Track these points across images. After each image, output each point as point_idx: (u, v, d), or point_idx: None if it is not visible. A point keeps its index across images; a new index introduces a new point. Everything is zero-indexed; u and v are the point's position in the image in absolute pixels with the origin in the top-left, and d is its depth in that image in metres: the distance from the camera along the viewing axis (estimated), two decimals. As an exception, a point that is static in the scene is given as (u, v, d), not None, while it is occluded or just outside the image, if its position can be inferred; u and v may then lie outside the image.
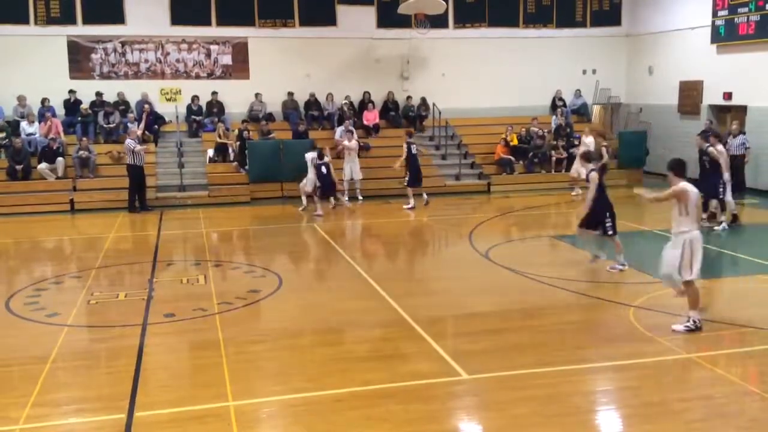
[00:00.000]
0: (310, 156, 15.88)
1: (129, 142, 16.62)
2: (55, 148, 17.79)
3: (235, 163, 18.80)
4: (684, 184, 7.61)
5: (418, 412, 6.03)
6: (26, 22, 19.42)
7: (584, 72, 23.13)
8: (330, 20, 21.27)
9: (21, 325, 8.58)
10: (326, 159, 15.88)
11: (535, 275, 10.33)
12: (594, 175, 10.57)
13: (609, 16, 23.26)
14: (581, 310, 9.03)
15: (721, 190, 13.67)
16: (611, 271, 10.52)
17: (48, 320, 8.67)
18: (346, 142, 17.84)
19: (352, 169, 17.66)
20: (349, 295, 9.79)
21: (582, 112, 22.81)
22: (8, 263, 12.41)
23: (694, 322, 7.77)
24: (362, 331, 8.33)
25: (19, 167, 17.37)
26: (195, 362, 7.50)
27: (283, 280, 10.45)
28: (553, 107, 22.46)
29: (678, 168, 7.78)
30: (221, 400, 6.27)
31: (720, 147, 14.04)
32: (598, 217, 10.59)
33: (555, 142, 20.56)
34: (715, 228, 13.56)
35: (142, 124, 18.21)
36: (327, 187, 15.82)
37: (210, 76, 20.85)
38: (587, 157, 11.55)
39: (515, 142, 20.48)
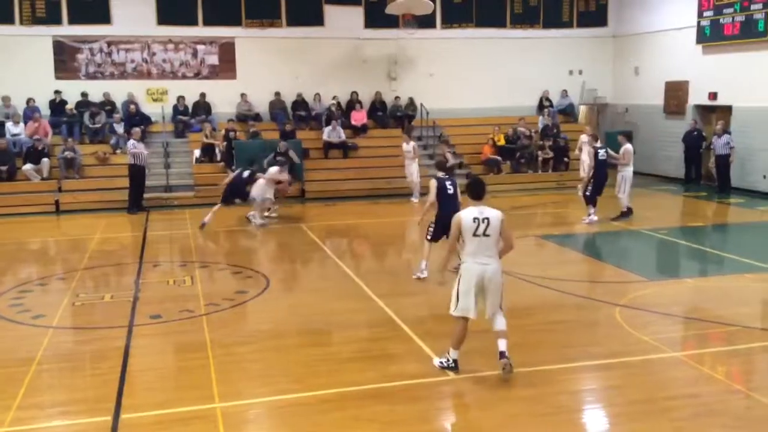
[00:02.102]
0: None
1: (129, 142, 16.55)
2: (40, 148, 17.65)
3: (222, 164, 18.72)
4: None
5: (406, 412, 6.02)
6: (11, 22, 19.26)
7: (571, 72, 23.21)
8: (317, 20, 21.23)
9: (6, 327, 8.50)
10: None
11: (522, 275, 10.35)
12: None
13: (595, 17, 23.36)
14: (568, 309, 9.05)
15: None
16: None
17: (33, 322, 8.59)
18: (404, 145, 17.91)
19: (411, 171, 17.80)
20: (337, 295, 9.77)
21: (569, 113, 22.90)
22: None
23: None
24: (349, 332, 8.31)
25: (3, 168, 17.22)
26: (181, 364, 7.45)
27: (270, 281, 10.41)
28: (540, 107, 22.53)
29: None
30: (207, 402, 6.23)
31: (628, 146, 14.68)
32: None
33: (542, 142, 20.63)
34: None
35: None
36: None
37: (197, 76, 20.75)
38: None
39: (502, 142, 20.53)
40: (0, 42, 18.97)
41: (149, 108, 20.11)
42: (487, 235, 6.52)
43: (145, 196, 17.37)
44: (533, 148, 20.47)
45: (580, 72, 23.24)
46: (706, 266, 11.73)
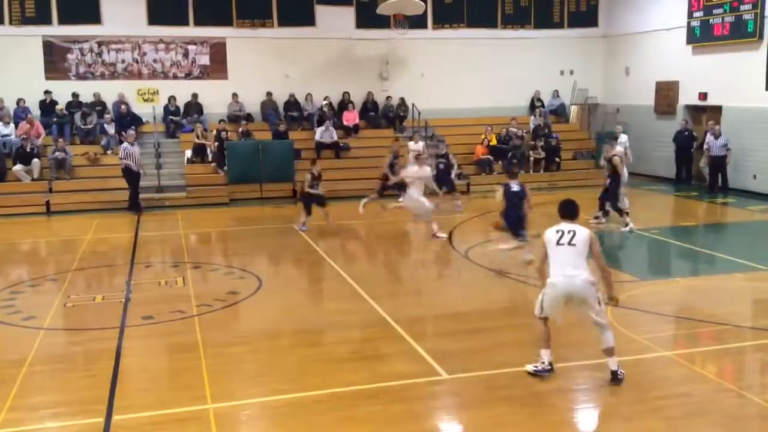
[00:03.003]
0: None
1: (122, 146, 16.55)
2: (29, 149, 17.55)
3: (214, 164, 18.69)
4: None
5: (399, 412, 6.03)
6: (0, 22, 19.15)
7: (562, 73, 23.27)
8: (309, 20, 21.21)
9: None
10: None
11: (515, 274, 10.37)
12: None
13: (586, 17, 23.44)
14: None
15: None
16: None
17: (24, 323, 8.55)
18: (411, 144, 17.96)
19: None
20: (329, 296, 9.77)
21: (560, 113, 22.96)
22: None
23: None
24: (342, 332, 8.31)
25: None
26: (174, 365, 7.44)
27: (262, 281, 10.39)
28: (532, 107, 22.58)
29: None
30: (200, 403, 6.22)
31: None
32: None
33: (533, 143, 20.67)
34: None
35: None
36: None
37: (188, 76, 20.69)
38: None
39: (494, 142, 20.56)
40: (3, 42, 18.88)
41: (140, 108, 20.03)
42: (573, 245, 6.41)
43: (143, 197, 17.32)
44: (525, 149, 20.50)
45: (571, 72, 23.31)
46: (697, 266, 11.78)
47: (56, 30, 19.59)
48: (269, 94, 20.86)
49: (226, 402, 6.24)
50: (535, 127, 21.16)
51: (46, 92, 19.33)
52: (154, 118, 19.72)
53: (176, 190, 18.12)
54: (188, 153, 19.12)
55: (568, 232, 6.48)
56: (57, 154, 17.69)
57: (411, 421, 5.89)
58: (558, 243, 6.45)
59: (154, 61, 20.48)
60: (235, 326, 8.76)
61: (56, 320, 8.88)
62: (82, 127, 18.95)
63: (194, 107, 20.27)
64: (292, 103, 21.00)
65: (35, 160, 17.53)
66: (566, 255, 6.41)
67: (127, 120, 19.00)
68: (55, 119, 18.91)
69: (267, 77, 20.78)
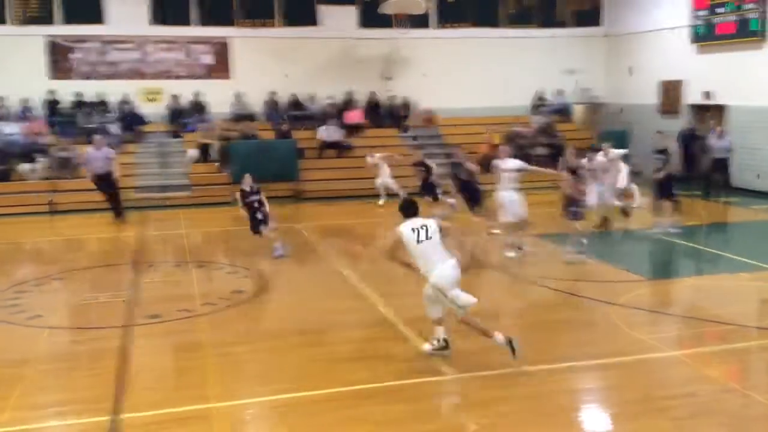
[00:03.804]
0: None
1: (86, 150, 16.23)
2: (35, 148, 17.59)
3: (217, 164, 18.70)
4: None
5: (402, 412, 6.02)
6: (3, 22, 19.19)
7: (565, 72, 23.23)
8: (311, 20, 21.23)
9: (1, 328, 8.46)
10: None
11: (519, 274, 10.36)
12: None
13: (589, 17, 23.41)
14: (565, 308, 9.07)
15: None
16: None
17: (29, 323, 8.56)
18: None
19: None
20: (332, 295, 9.76)
21: (563, 112, 22.92)
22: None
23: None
24: (345, 332, 8.31)
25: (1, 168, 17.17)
26: (178, 364, 7.44)
27: (265, 280, 10.41)
28: (535, 107, 22.55)
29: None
30: (204, 402, 6.23)
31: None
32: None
33: (537, 142, 20.63)
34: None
35: None
36: None
37: (191, 76, 20.71)
38: None
39: (498, 141, 20.52)
40: (5, 41, 18.90)
41: (144, 108, 20.07)
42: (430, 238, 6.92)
43: (140, 195, 17.31)
44: (528, 148, 20.47)
45: (575, 72, 23.27)
46: (702, 265, 11.76)
47: (60, 30, 19.63)
48: (272, 93, 20.87)
49: (230, 401, 6.25)
50: (538, 127, 21.13)
51: (50, 92, 19.38)
52: (158, 117, 19.76)
53: (180, 189, 18.13)
54: (192, 152, 19.13)
55: (421, 227, 6.94)
56: (61, 153, 17.72)
57: (413, 421, 5.87)
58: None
59: (158, 60, 20.51)
60: (239, 325, 8.75)
61: (61, 319, 8.92)
62: (86, 126, 18.96)
63: (197, 107, 20.30)
64: (295, 103, 21.02)
65: (39, 159, 17.56)
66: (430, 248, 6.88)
67: (130, 119, 19.03)
68: (59, 119, 18.94)
69: (270, 77, 20.79)
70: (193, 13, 20.51)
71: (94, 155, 15.84)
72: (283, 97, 21.03)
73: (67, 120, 18.97)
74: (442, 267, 6.84)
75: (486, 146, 20.29)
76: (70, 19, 19.63)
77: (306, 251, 12.81)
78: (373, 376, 6.73)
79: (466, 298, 6.87)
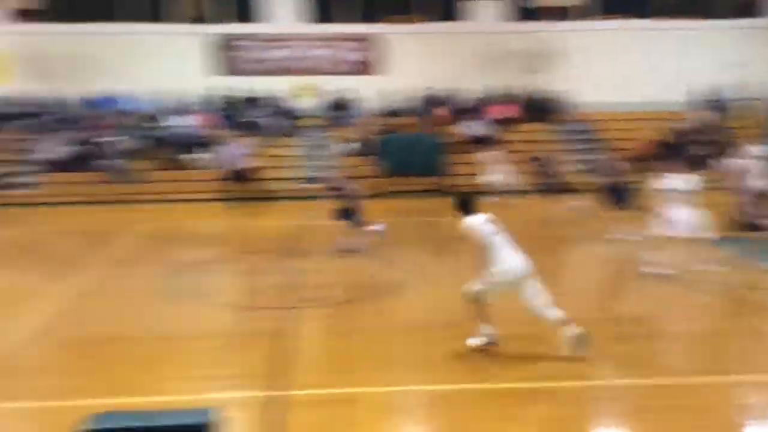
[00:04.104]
0: None
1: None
2: (202, 140, 19.00)
3: (371, 158, 19.28)
4: None
5: (554, 414, 5.97)
6: (175, 21, 20.86)
7: (727, 65, 21.79)
8: (461, 14, 21.35)
9: (179, 304, 9.34)
10: None
11: (688, 276, 9.86)
12: None
13: (747, 8, 21.83)
14: (737, 317, 8.63)
15: None
16: None
17: (201, 300, 9.38)
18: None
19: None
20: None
21: (724, 108, 21.51)
22: (167, 247, 13.43)
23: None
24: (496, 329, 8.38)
25: (171, 157, 18.69)
26: (337, 348, 7.78)
27: (416, 273, 10.68)
28: (697, 102, 21.35)
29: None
30: (353, 386, 6.55)
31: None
32: None
33: (696, 140, 19.56)
34: None
35: None
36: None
37: (344, 72, 21.45)
38: None
39: (662, 139, 19.64)
40: (163, 40, 20.56)
41: (299, 103, 21.06)
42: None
43: (293, 187, 18.15)
44: (697, 147, 19.40)
45: (738, 65, 21.76)
46: None
47: (226, 28, 21.05)
48: (425, 88, 21.20)
49: (377, 387, 6.51)
50: (701, 125, 20.01)
51: (213, 87, 20.77)
52: (312, 113, 20.68)
53: (334, 182, 18.83)
54: (343, 146, 19.84)
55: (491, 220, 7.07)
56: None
57: (562, 426, 5.79)
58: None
59: (313, 57, 21.43)
60: (389, 315, 9.07)
61: (233, 299, 9.67)
62: (243, 120, 20.19)
63: (349, 102, 21.01)
64: (446, 97, 21.24)
65: (206, 149, 18.97)
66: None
67: (285, 114, 20.08)
68: (222, 112, 20.33)
69: (421, 71, 21.12)
70: (346, 11, 21.26)
71: (231, 151, 16.87)
72: (434, 91, 21.29)
73: (229, 114, 20.28)
74: (513, 258, 6.98)
75: (642, 143, 19.52)
76: (234, 18, 21.01)
77: (453, 245, 12.97)
78: (527, 374, 6.69)
79: (534, 291, 6.95)
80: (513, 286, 6.97)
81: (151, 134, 19.25)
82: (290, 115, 20.58)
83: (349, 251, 11.85)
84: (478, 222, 7.12)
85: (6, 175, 17.95)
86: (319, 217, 15.71)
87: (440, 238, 13.56)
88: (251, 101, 20.71)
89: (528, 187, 15.99)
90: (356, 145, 19.62)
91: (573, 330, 6.83)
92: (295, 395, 6.39)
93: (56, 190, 17.60)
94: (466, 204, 7.36)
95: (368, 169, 19.10)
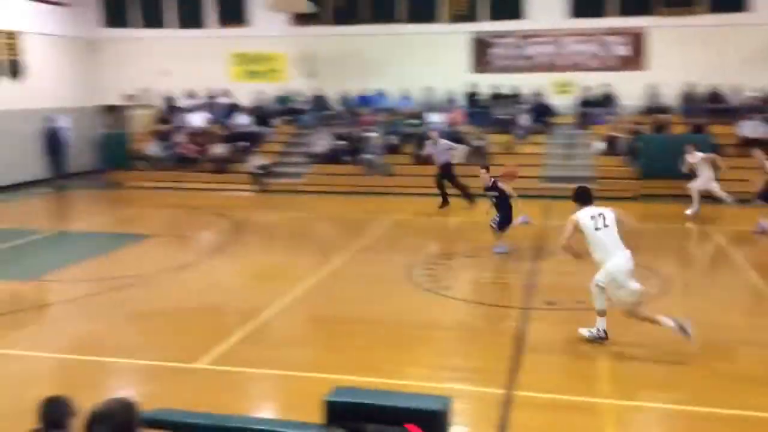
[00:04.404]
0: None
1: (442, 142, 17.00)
2: (456, 136, 19.36)
3: (625, 157, 18.27)
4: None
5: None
6: (434, 20, 21.42)
7: None
8: (742, 6, 19.28)
9: (418, 293, 9.59)
10: None
11: None
12: None
13: None
14: None
15: None
16: None
17: (440, 292, 9.54)
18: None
19: None
20: (742, 309, 8.84)
21: None
22: (411, 238, 13.90)
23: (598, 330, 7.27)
24: (756, 349, 7.46)
25: (421, 153, 19.29)
26: (572, 353, 7.49)
27: (664, 283, 9.89)
28: None
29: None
30: (596, 396, 6.23)
31: None
32: None
33: None
34: None
35: None
36: None
37: (604, 68, 20.56)
38: None
39: None
40: (420, 39, 21.15)
41: (554, 100, 20.59)
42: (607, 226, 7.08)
43: (545, 186, 17.79)
44: None
45: None
46: None
47: (484, 26, 21.21)
48: (690, 85, 19.56)
49: (623, 401, 6.13)
50: None
51: (470, 84, 21.07)
52: (567, 109, 20.11)
53: (583, 181, 18.12)
54: (599, 145, 19.02)
55: (599, 215, 7.06)
56: (475, 141, 19.21)
57: None
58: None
59: (572, 53, 20.83)
60: (634, 325, 8.48)
61: (468, 293, 9.73)
62: (499, 117, 20.19)
63: (607, 99, 20.09)
64: (714, 95, 19.38)
65: (460, 146, 19.29)
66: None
67: (541, 111, 19.72)
68: (476, 109, 20.54)
69: (688, 68, 19.50)
70: (609, 4, 20.28)
71: (436, 149, 16.76)
72: (701, 89, 19.56)
73: (483, 111, 20.44)
74: (619, 255, 6.95)
75: None
76: (495, 16, 21.05)
77: (715, 257, 11.81)
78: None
79: (636, 288, 6.96)
80: (620, 282, 6.97)
81: (407, 131, 20.02)
82: (545, 112, 20.19)
83: (502, 253, 11.49)
84: (583, 215, 7.17)
85: (276, 165, 19.82)
86: (563, 217, 15.25)
87: (702, 249, 12.43)
88: (506, 98, 20.66)
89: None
90: (607, 145, 18.69)
91: (670, 322, 6.95)
92: (522, 396, 6.25)
93: (318, 180, 19.05)
94: (582, 196, 7.42)
95: (621, 170, 18.11)
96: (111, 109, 23.60)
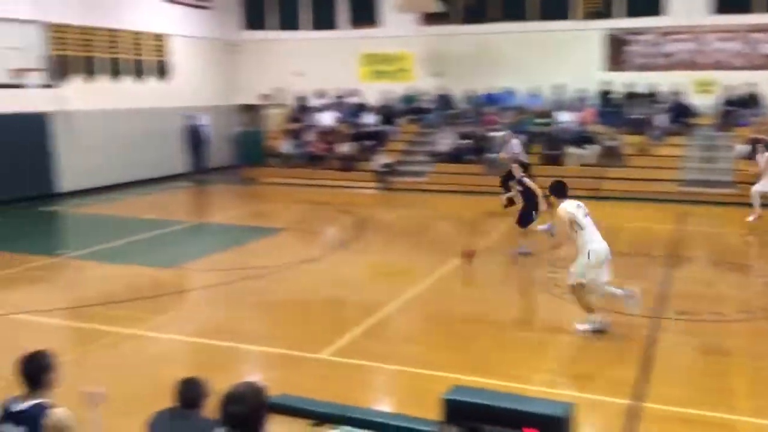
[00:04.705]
0: None
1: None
2: (584, 136, 18.79)
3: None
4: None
5: None
6: (566, 17, 20.86)
7: None
8: None
9: (543, 296, 9.37)
10: None
11: None
12: None
13: None
14: None
15: None
16: None
17: (563, 296, 9.24)
18: None
19: None
20: None
21: None
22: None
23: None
24: None
25: (551, 153, 18.86)
26: (704, 366, 7.11)
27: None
28: None
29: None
30: (731, 412, 5.86)
31: None
32: None
33: None
34: None
35: None
36: None
37: (749, 66, 19.22)
38: None
39: None
40: (552, 36, 20.64)
41: (695, 99, 19.49)
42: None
43: (683, 189, 16.88)
44: None
45: None
46: None
47: (619, 23, 20.41)
48: None
49: (763, 419, 5.74)
50: None
51: (604, 83, 20.35)
52: (708, 110, 18.98)
53: (724, 186, 17.11)
54: (740, 148, 17.81)
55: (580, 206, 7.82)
56: (608, 142, 18.54)
57: None
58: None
59: (714, 50, 19.64)
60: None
61: (595, 298, 9.40)
62: (634, 117, 19.37)
63: (752, 100, 18.77)
64: None
65: (589, 146, 18.70)
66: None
67: (680, 111, 18.74)
68: (609, 109, 19.80)
69: None
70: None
71: (506, 150, 16.25)
72: None
73: (616, 110, 19.68)
74: (598, 241, 7.65)
75: None
76: (631, 12, 20.20)
77: None
78: None
79: (609, 272, 7.69)
80: (599, 267, 7.58)
81: (535, 130, 19.65)
82: (684, 112, 19.16)
83: (525, 254, 11.17)
84: (570, 206, 7.75)
85: (400, 163, 20.01)
86: (701, 223, 14.45)
87: None
88: (641, 97, 19.80)
89: None
90: (751, 148, 17.45)
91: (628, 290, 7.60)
92: (650, 408, 5.97)
93: (441, 179, 19.05)
94: (558, 189, 8.03)
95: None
96: (247, 108, 24.72)
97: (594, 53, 20.71)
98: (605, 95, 20.27)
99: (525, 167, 15.70)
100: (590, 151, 18.67)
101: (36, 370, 3.78)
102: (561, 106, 20.16)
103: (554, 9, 20.92)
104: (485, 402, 4.05)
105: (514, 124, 19.65)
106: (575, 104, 20.17)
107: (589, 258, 7.57)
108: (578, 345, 7.66)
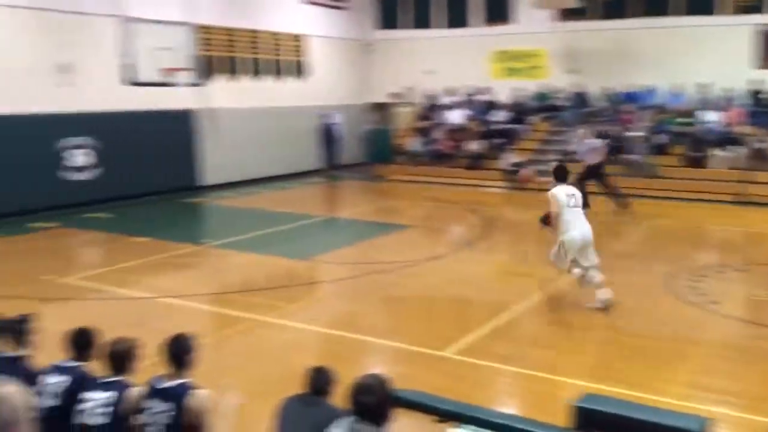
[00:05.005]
0: None
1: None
2: (730, 137, 17.66)
3: None
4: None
5: None
6: (710, 12, 19.64)
7: None
8: None
9: (681, 306, 8.90)
10: None
11: None
12: None
13: None
14: None
15: None
16: None
17: (706, 307, 8.78)
18: None
19: None
20: None
21: None
22: (674, 245, 12.90)
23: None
24: None
25: (694, 154, 17.86)
26: None
27: None
28: None
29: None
30: None
31: None
32: None
33: None
34: None
35: None
36: None
37: None
38: None
39: None
40: (698, 32, 19.55)
41: None
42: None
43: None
44: None
45: None
46: None
47: (771, 18, 19.01)
48: None
49: None
50: None
51: (754, 81, 19.01)
52: None
53: None
54: None
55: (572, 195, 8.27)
56: (757, 144, 17.32)
57: None
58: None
59: None
60: None
61: (737, 310, 8.85)
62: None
63: None
64: None
65: (737, 147, 17.54)
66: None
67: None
68: (760, 109, 18.48)
69: None
70: None
71: (580, 147, 15.93)
72: None
73: (767, 111, 18.33)
74: (582, 227, 8.14)
75: None
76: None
77: None
78: None
79: (593, 258, 8.28)
80: (580, 251, 8.17)
81: (677, 130, 18.70)
82: None
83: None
84: (559, 191, 8.21)
85: (529, 162, 19.56)
86: None
87: None
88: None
89: None
90: None
91: (605, 293, 8.24)
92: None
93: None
94: (559, 173, 8.52)
95: None
96: (378, 107, 25.15)
97: (743, 50, 19.40)
98: (755, 95, 18.95)
99: (593, 170, 15.31)
100: (736, 153, 17.52)
101: (180, 351, 4.06)
102: (706, 105, 19.06)
103: (701, 3, 19.78)
104: (617, 411, 3.96)
105: (654, 124, 18.81)
106: (721, 103, 19.00)
107: (560, 248, 8.29)
108: (718, 358, 7.25)
